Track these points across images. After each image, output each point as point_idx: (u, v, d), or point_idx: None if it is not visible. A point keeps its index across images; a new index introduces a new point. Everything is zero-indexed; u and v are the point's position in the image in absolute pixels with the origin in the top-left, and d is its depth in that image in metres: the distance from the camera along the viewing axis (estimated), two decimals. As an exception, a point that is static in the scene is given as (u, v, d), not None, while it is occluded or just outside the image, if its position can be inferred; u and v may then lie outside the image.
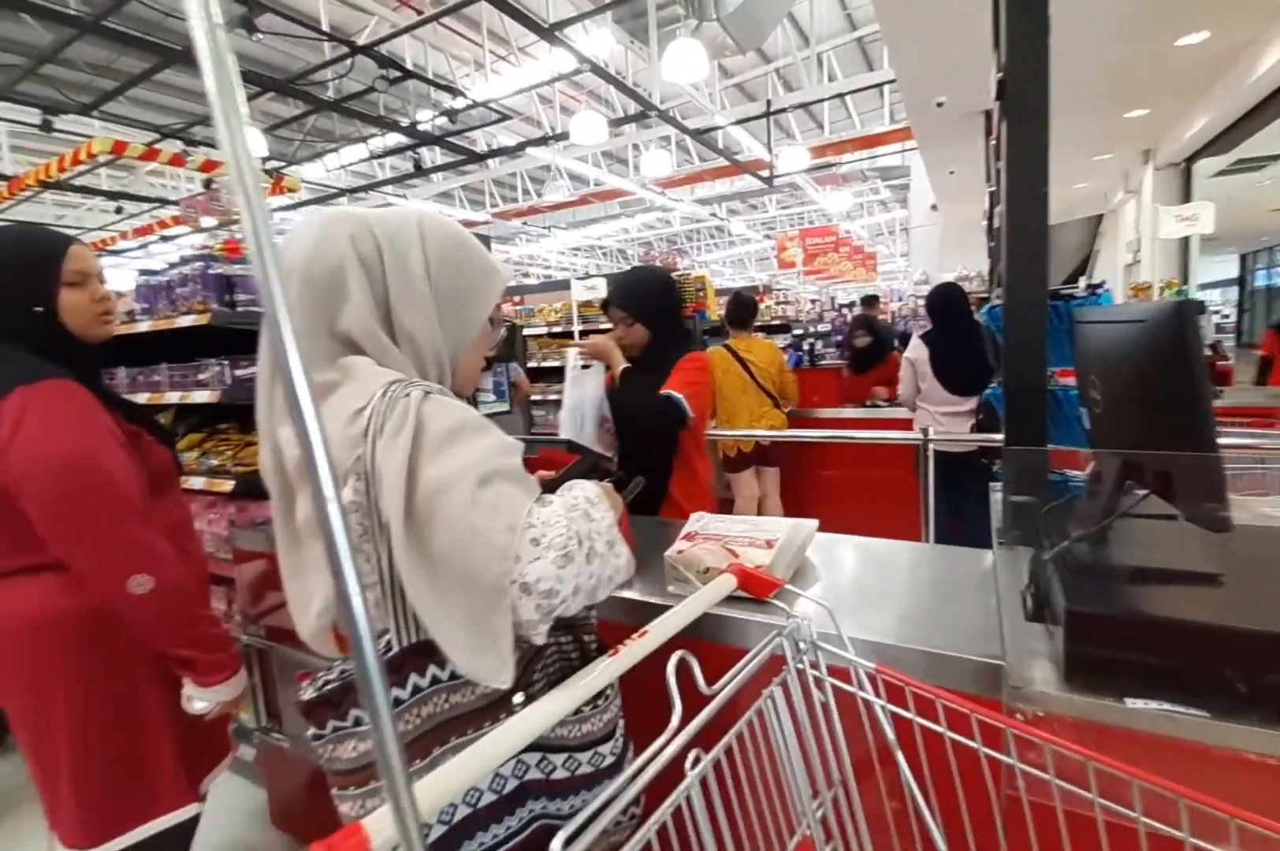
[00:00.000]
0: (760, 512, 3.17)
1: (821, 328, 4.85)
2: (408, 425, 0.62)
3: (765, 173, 7.76)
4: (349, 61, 4.68)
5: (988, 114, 5.49)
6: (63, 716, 1.06)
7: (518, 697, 0.71)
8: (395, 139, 8.10)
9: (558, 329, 5.22)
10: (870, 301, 5.86)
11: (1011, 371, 1.27)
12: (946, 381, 2.81)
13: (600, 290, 4.30)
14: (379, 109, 6.37)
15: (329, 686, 0.67)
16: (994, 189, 5.38)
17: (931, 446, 2.47)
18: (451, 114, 5.67)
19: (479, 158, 6.88)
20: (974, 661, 0.84)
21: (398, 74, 4.81)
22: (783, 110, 7.64)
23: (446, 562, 0.61)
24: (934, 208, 10.56)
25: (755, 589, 0.85)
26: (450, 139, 6.36)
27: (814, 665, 0.77)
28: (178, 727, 1.17)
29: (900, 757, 0.70)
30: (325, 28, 4.86)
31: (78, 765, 1.08)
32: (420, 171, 6.65)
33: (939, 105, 5.16)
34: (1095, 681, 0.72)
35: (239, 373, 1.69)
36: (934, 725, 0.66)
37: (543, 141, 6.66)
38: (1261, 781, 0.66)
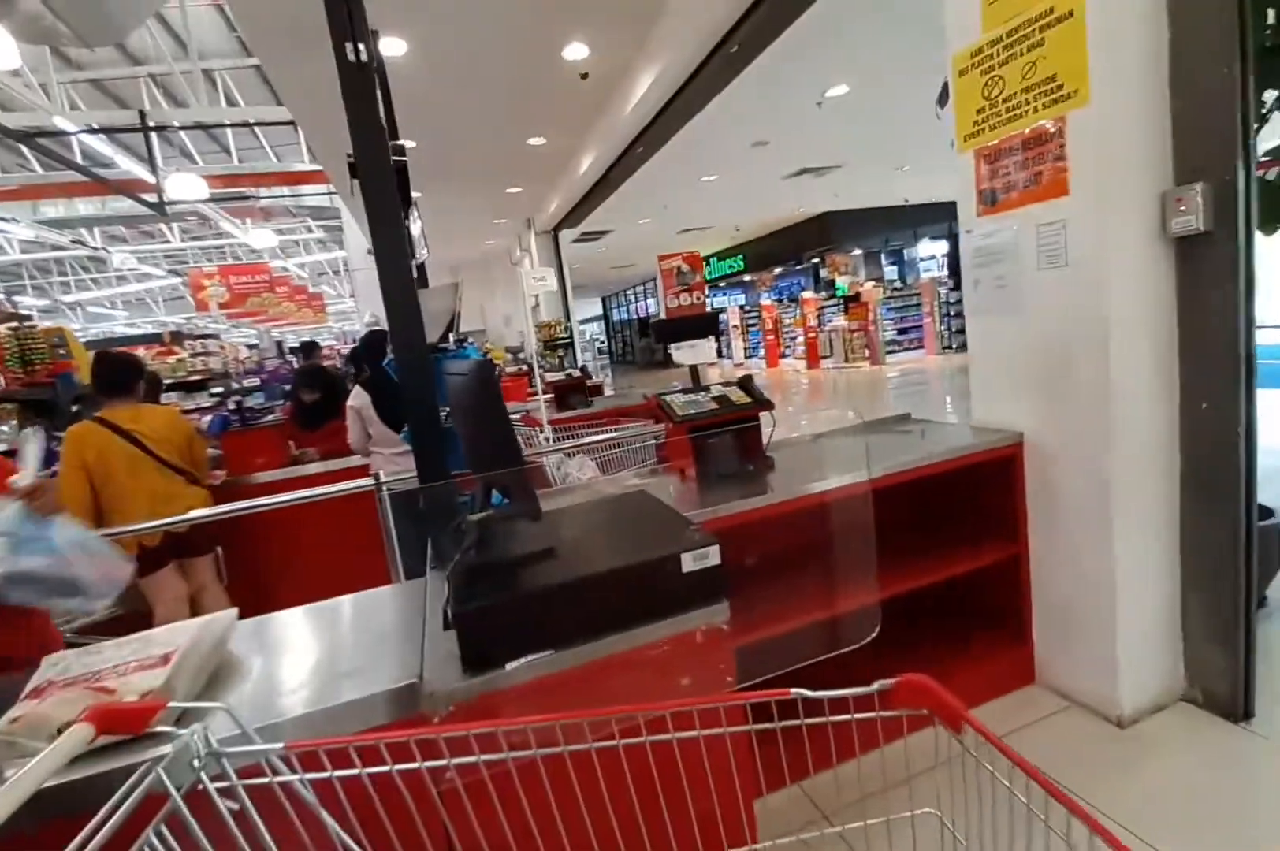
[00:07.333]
0: (196, 612, 2.69)
1: (248, 382, 4.34)
2: None
3: (152, 197, 6.18)
4: None
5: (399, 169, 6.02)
6: None
7: None
8: None
9: None
10: (310, 349, 5.50)
11: (412, 415, 1.44)
12: (393, 424, 2.96)
13: None
14: None
15: None
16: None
17: (386, 489, 2.56)
18: None
19: None
20: (392, 690, 0.91)
21: None
22: (167, 127, 6.65)
23: None
24: (370, 251, 10.94)
25: (127, 725, 0.69)
26: None
27: (219, 776, 0.67)
28: None
29: (327, 818, 0.67)
30: None
31: None
32: None
33: (350, 157, 5.37)
34: (482, 663, 0.89)
35: None
36: (351, 771, 0.67)
37: None
38: (591, 680, 0.93)
